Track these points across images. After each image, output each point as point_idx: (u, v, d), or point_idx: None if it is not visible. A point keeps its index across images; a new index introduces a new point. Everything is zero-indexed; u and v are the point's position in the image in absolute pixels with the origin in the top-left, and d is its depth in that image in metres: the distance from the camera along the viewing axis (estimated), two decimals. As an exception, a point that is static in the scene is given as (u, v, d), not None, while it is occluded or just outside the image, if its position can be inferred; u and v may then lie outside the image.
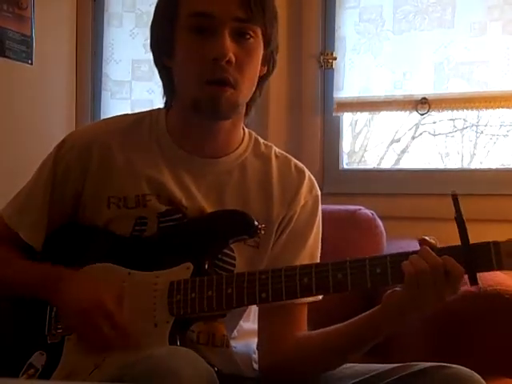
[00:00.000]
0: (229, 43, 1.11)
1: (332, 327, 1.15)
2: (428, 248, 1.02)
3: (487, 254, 1.00)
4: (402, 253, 1.04)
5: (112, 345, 1.08)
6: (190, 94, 1.16)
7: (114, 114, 1.40)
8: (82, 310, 1.09)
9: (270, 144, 1.31)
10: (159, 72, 1.25)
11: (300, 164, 1.30)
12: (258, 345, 1.22)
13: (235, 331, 1.24)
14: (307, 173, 1.29)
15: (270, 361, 1.19)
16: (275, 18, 1.20)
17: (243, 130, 1.29)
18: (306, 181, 1.27)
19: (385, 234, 1.90)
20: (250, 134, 1.30)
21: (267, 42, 1.18)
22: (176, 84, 1.21)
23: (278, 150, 1.30)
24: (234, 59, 1.11)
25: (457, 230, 1.02)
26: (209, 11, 1.11)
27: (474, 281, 1.00)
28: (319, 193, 1.29)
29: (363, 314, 1.11)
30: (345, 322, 1.13)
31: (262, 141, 1.30)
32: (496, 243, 1.00)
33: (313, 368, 1.17)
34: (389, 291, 1.07)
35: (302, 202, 1.24)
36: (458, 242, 1.02)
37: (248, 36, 1.14)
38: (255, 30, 1.15)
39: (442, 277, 0.99)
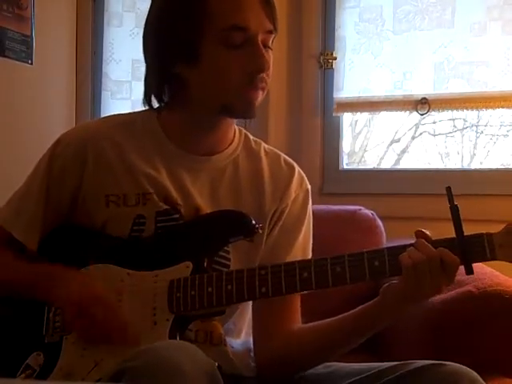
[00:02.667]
0: (266, 54, 1.15)
1: (328, 320, 1.16)
2: (423, 240, 1.04)
3: (481, 245, 1.03)
4: (399, 246, 1.06)
5: (111, 338, 1.08)
6: (221, 100, 1.17)
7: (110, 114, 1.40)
8: (80, 304, 1.08)
9: (259, 140, 1.33)
10: (160, 77, 1.21)
11: (289, 159, 1.32)
12: (253, 339, 1.23)
13: (231, 324, 1.24)
14: (297, 167, 1.31)
15: (266, 354, 1.20)
16: None
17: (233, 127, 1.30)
18: (296, 175, 1.29)
19: (385, 234, 1.90)
20: (240, 132, 1.31)
21: None
22: (194, 91, 1.19)
23: (267, 146, 1.33)
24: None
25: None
26: (245, 25, 1.13)
27: (469, 271, 1.03)
28: (309, 187, 1.31)
29: (360, 307, 1.12)
30: (341, 315, 1.14)
31: (251, 137, 1.33)
32: (489, 235, 1.03)
33: (309, 360, 1.18)
34: (386, 284, 1.08)
35: (293, 195, 1.26)
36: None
37: (270, 46, 1.18)
38: (272, 40, 1.19)
39: (439, 267, 1.02)
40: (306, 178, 1.31)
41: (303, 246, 1.25)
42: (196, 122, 1.23)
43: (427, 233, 1.06)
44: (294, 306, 1.23)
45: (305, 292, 1.14)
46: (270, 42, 1.18)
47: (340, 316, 1.14)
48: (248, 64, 1.14)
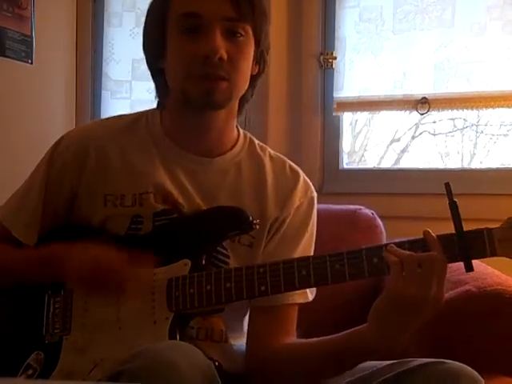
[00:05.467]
0: (219, 41, 1.13)
1: (320, 338, 1.14)
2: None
3: (481, 242, 1.02)
4: (397, 242, 1.05)
5: (123, 290, 1.10)
6: (181, 88, 1.18)
7: (114, 114, 1.40)
8: (87, 265, 1.10)
9: (264, 145, 1.32)
10: (152, 74, 1.26)
11: (294, 165, 1.31)
12: (246, 345, 1.22)
13: (236, 322, 1.24)
14: (302, 174, 1.29)
15: (254, 363, 1.19)
16: (265, 17, 1.22)
17: (238, 130, 1.29)
18: (301, 182, 1.27)
19: (385, 233, 1.90)
20: (244, 135, 1.31)
21: (258, 41, 1.20)
22: (168, 82, 1.22)
23: (272, 151, 1.31)
24: (225, 56, 1.13)
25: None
26: (198, 11, 1.13)
27: (469, 267, 1.02)
28: (315, 195, 1.29)
29: (352, 329, 1.09)
30: (334, 335, 1.12)
31: (256, 142, 1.31)
32: (489, 230, 1.02)
33: (296, 377, 1.15)
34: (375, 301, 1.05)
35: (297, 203, 1.25)
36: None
37: (238, 34, 1.16)
38: (245, 29, 1.17)
39: (416, 266, 0.99)
40: (311, 186, 1.29)
41: (303, 254, 1.22)
42: (183, 118, 1.23)
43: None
44: (291, 318, 1.22)
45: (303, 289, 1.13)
46: (240, 29, 1.15)
47: (332, 336, 1.11)
48: (198, 49, 1.13)
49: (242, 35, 1.16)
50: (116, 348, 1.08)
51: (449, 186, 1.03)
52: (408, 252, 1.02)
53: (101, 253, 1.11)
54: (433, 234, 1.03)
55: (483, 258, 1.03)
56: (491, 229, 1.02)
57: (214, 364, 1.01)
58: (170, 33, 1.18)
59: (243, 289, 1.08)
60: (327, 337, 1.13)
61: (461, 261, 1.02)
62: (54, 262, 1.14)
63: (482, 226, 1.04)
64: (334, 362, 1.11)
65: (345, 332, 1.10)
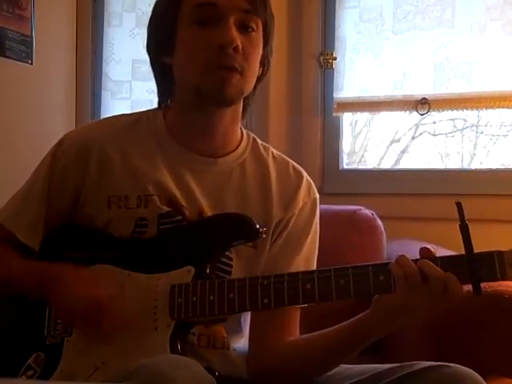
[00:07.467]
0: (234, 31, 1.13)
1: (320, 332, 1.14)
2: (428, 261, 1.01)
3: (491, 264, 0.99)
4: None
5: (113, 335, 1.07)
6: (193, 82, 1.16)
7: (114, 114, 1.39)
8: (81, 308, 1.07)
9: (267, 145, 1.32)
10: (156, 71, 1.25)
11: (297, 166, 1.30)
12: (248, 346, 1.21)
13: (236, 324, 1.23)
14: (305, 175, 1.29)
15: (258, 363, 1.18)
16: (273, 19, 1.23)
17: (241, 130, 1.29)
18: (304, 183, 1.27)
19: (385, 234, 1.90)
20: (248, 135, 1.30)
21: (266, 40, 1.21)
22: (176, 78, 1.21)
23: (275, 151, 1.31)
24: (240, 47, 1.13)
25: (455, 230, 1.01)
26: (213, 1, 1.13)
27: (478, 290, 0.99)
28: (317, 195, 1.29)
29: (351, 320, 1.10)
30: (332, 328, 1.12)
31: (260, 142, 1.31)
32: (500, 253, 0.99)
33: (300, 372, 1.15)
34: (377, 295, 1.05)
35: (301, 204, 1.25)
36: (457, 242, 1.02)
37: (250, 29, 1.16)
38: (257, 23, 1.17)
39: (420, 281, 0.99)
40: (314, 186, 1.29)
41: (307, 257, 1.23)
42: (190, 117, 1.21)
43: (432, 250, 1.03)
44: (294, 319, 1.21)
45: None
46: (253, 23, 1.16)
47: (331, 329, 1.12)
48: (213, 39, 1.12)
49: (253, 30, 1.16)
50: (117, 352, 1.07)
51: (461, 207, 0.99)
52: (414, 266, 1.00)
53: (99, 293, 1.08)
54: (433, 251, 1.02)
55: (493, 281, 1.00)
56: (502, 252, 0.99)
57: (215, 374, 0.99)
58: (182, 25, 1.16)
59: (246, 301, 1.06)
60: (325, 331, 1.13)
61: (470, 283, 0.99)
62: (52, 288, 1.11)
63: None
64: (333, 356, 1.12)
65: (344, 324, 1.11)
